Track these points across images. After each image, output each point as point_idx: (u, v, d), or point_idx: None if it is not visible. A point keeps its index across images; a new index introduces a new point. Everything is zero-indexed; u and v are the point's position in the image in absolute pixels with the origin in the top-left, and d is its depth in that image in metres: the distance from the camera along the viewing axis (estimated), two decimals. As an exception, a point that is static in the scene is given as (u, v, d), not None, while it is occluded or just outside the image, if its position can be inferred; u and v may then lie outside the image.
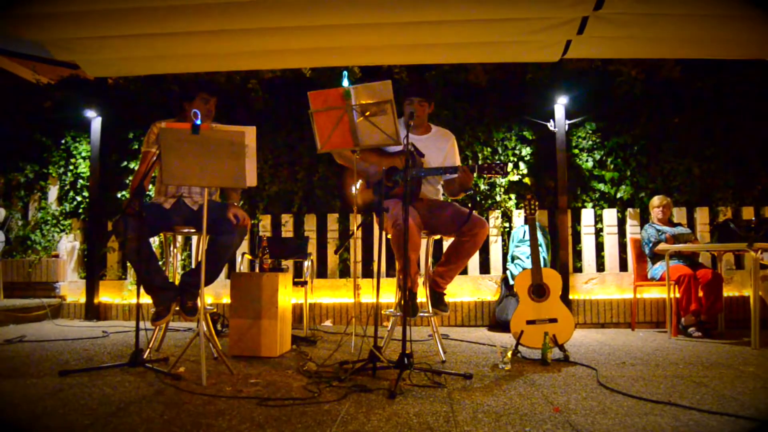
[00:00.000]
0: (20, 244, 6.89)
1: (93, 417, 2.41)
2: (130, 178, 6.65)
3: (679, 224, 5.82)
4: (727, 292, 5.77)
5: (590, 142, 6.36)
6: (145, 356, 3.49)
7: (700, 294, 5.12)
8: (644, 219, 6.17)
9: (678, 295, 5.15)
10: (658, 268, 5.52)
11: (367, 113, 3.28)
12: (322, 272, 6.42)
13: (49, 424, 2.32)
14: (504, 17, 4.56)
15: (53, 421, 2.37)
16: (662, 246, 5.38)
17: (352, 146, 3.45)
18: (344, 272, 6.45)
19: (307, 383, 3.09)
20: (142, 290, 3.56)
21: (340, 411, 2.52)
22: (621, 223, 6.31)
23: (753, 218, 5.96)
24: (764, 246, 4.61)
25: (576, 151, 6.35)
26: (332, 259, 6.43)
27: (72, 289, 6.72)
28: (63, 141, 6.90)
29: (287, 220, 6.49)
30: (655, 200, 5.79)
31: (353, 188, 3.89)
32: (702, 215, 6.23)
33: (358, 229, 3.91)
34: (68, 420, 2.38)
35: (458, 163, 4.15)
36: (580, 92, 6.16)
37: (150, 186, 5.65)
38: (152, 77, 6.67)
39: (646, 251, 5.66)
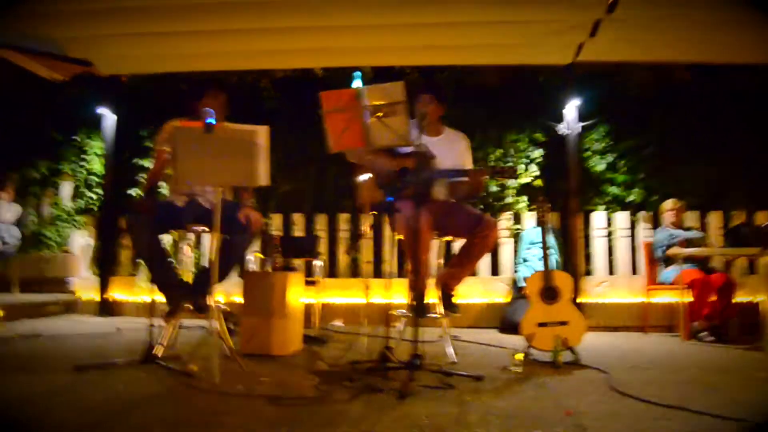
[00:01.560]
0: (34, 240, 6.95)
1: (106, 413, 2.43)
2: (142, 175, 6.69)
3: (692, 228, 5.79)
4: (740, 297, 5.73)
5: (602, 145, 6.34)
6: (157, 353, 3.51)
7: (713, 299, 5.10)
8: (656, 223, 6.13)
9: (690, 300, 5.12)
10: (670, 272, 5.48)
11: (379, 114, 3.28)
12: (332, 272, 6.44)
13: (62, 419, 2.34)
14: (517, 19, 4.57)
15: (67, 415, 2.39)
16: (674, 250, 5.35)
17: (363, 147, 3.45)
18: (355, 272, 6.46)
19: (318, 383, 3.10)
20: (154, 287, 3.58)
21: (350, 411, 2.52)
22: (632, 227, 6.28)
23: (766, 223, 5.91)
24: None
25: (588, 153, 6.33)
26: (343, 259, 6.44)
27: (85, 285, 6.76)
28: (76, 138, 6.95)
29: (298, 219, 6.51)
30: (668, 204, 5.75)
31: (364, 188, 3.90)
32: (715, 219, 6.18)
33: (369, 229, 3.92)
34: (82, 415, 2.39)
35: (470, 165, 4.14)
36: (592, 95, 6.13)
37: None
38: (165, 75, 6.70)
39: (658, 255, 5.63)
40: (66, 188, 7.05)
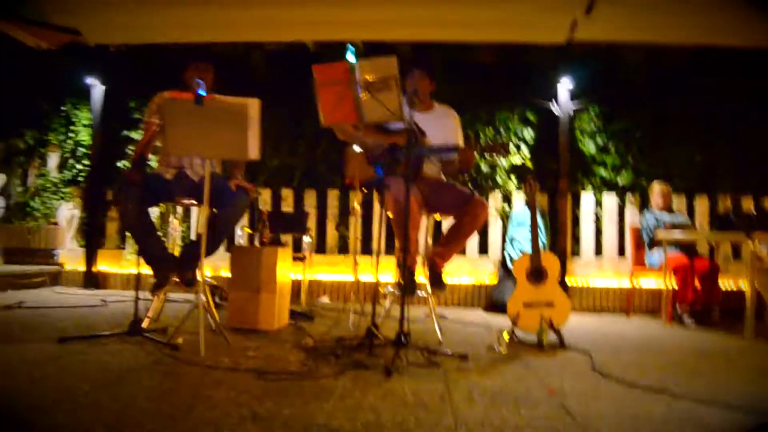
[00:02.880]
0: (19, 211, 6.89)
1: (92, 383, 2.43)
2: (131, 147, 6.64)
3: (679, 212, 5.82)
4: (724, 282, 5.79)
5: (593, 126, 6.35)
6: (143, 326, 3.50)
7: (697, 284, 5.15)
8: (644, 205, 6.17)
9: (674, 284, 5.17)
10: (655, 256, 5.52)
11: (372, 89, 3.25)
12: (320, 248, 6.43)
13: (47, 389, 2.33)
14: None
15: (52, 385, 2.39)
16: (660, 234, 5.38)
17: (356, 121, 3.43)
18: (343, 249, 6.46)
19: (305, 358, 3.10)
20: (141, 260, 3.56)
21: (337, 386, 2.53)
22: (621, 209, 6.32)
23: (753, 210, 5.96)
24: (763, 236, 4.62)
25: (579, 134, 6.35)
26: (331, 236, 6.44)
27: (71, 257, 6.73)
28: (64, 108, 6.88)
29: (287, 194, 6.49)
30: (656, 186, 5.78)
31: (353, 165, 3.89)
32: (701, 204, 6.24)
33: (359, 205, 3.91)
34: (67, 385, 2.39)
35: (461, 141, 4.13)
36: (584, 75, 6.13)
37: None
38: (155, 46, 6.61)
39: (645, 239, 5.66)
40: (53, 159, 6.98)
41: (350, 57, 3.29)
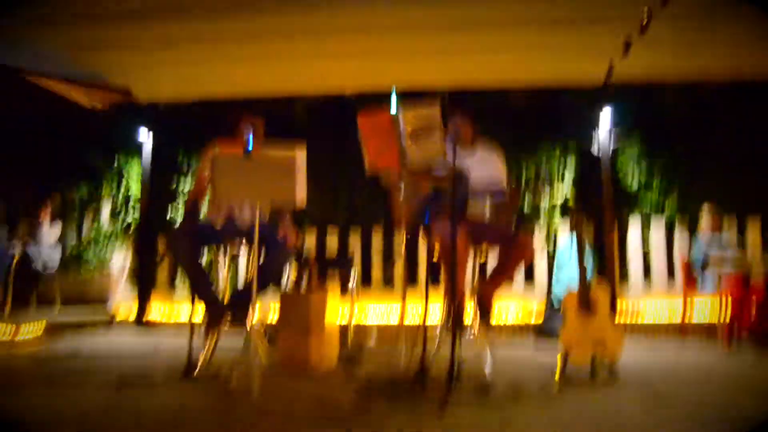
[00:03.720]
0: (74, 261, 7.13)
1: (151, 428, 2.49)
2: (180, 198, 6.84)
3: (727, 244, 5.69)
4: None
5: (634, 162, 6.31)
6: (196, 370, 3.57)
7: (753, 309, 5.03)
8: (692, 234, 6.06)
9: (731, 309, 5.05)
10: (709, 279, 5.41)
11: (415, 136, 3.33)
12: (366, 284, 6.47)
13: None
14: (550, 42, 4.59)
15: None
16: (714, 259, 5.29)
17: (400, 168, 3.50)
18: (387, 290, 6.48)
19: (358, 397, 3.12)
20: (193, 305, 3.65)
21: (391, 425, 2.54)
22: (669, 241, 6.21)
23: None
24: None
25: (620, 171, 6.31)
26: (376, 278, 6.47)
27: (123, 304, 6.90)
28: (115, 162, 7.14)
29: (332, 234, 6.57)
30: (705, 212, 5.70)
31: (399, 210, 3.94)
32: (753, 230, 6.09)
33: (404, 248, 3.95)
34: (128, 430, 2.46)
35: (504, 178, 4.16)
36: (623, 114, 6.11)
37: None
38: (201, 101, 6.86)
39: (696, 268, 5.56)
40: (105, 211, 7.23)
41: (393, 101, 3.38)
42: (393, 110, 3.33)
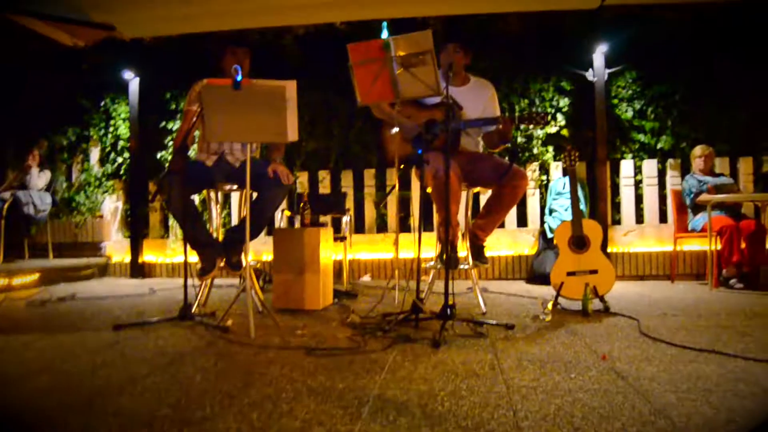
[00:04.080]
0: (66, 206, 7.11)
1: (150, 366, 2.51)
2: (170, 138, 6.76)
3: (722, 174, 5.70)
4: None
5: (630, 92, 6.22)
6: (193, 311, 3.60)
7: (743, 245, 5.06)
8: (685, 170, 6.06)
9: (719, 247, 5.09)
10: (699, 220, 5.44)
11: (407, 64, 3.26)
12: (359, 228, 6.49)
13: (109, 374, 2.42)
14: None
15: (113, 370, 2.48)
16: (704, 197, 5.28)
17: (393, 98, 3.44)
18: (381, 227, 6.50)
19: (352, 334, 3.15)
20: (187, 247, 3.64)
21: (387, 359, 2.58)
22: (661, 175, 6.21)
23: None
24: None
25: (615, 101, 6.23)
26: (370, 215, 6.48)
27: (117, 248, 6.91)
28: (102, 103, 7.03)
29: (324, 176, 6.54)
30: (697, 150, 5.67)
31: (392, 143, 3.90)
32: (745, 165, 6.08)
33: (396, 183, 3.93)
34: (127, 369, 2.48)
35: (498, 113, 4.10)
36: (619, 40, 6.00)
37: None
38: (188, 37, 6.70)
39: (687, 202, 5.58)
40: (94, 154, 7.15)
41: (384, 34, 3.30)
42: (384, 37, 3.25)
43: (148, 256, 6.76)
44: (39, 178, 6.71)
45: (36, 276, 5.61)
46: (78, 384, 2.30)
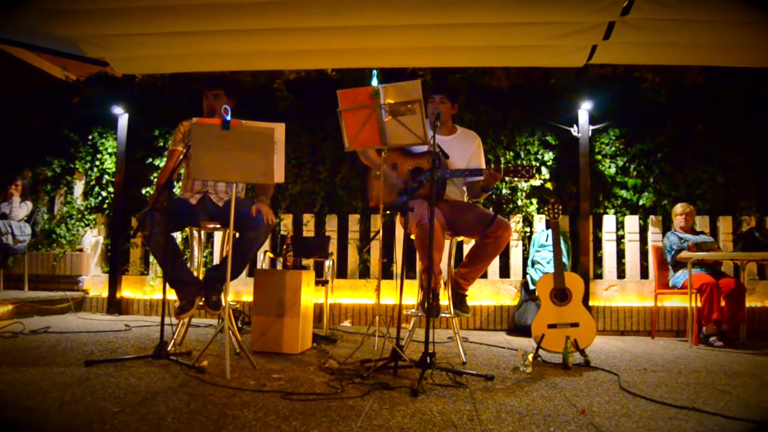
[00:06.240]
0: (46, 238, 7.01)
1: (120, 404, 2.45)
2: (155, 174, 6.75)
3: (702, 232, 5.77)
4: (750, 302, 5.72)
5: (613, 149, 6.34)
6: (168, 349, 3.53)
7: (722, 303, 5.08)
8: (666, 227, 6.14)
9: (699, 304, 5.11)
10: (679, 276, 5.48)
11: (396, 112, 3.30)
12: (342, 273, 6.45)
13: (77, 410, 2.36)
14: (530, 21, 4.58)
15: (82, 407, 2.41)
16: (685, 254, 5.33)
17: (380, 145, 3.48)
18: (364, 273, 6.47)
19: (330, 380, 3.11)
20: (166, 285, 3.60)
21: (364, 407, 2.53)
22: (643, 231, 6.28)
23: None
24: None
25: (599, 157, 6.33)
26: (353, 260, 6.46)
27: (95, 283, 6.80)
28: (90, 137, 7.02)
29: (309, 219, 6.53)
30: (678, 208, 5.75)
31: (377, 189, 3.92)
32: (725, 224, 6.18)
33: (380, 229, 3.93)
34: (96, 407, 2.42)
35: (483, 164, 4.15)
36: (604, 98, 6.15)
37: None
38: (179, 76, 6.76)
39: (668, 259, 5.62)
40: (79, 187, 7.10)
41: (375, 81, 3.35)
42: (374, 85, 3.30)
43: (126, 291, 6.66)
44: (20, 209, 6.65)
45: (9, 307, 5.50)
46: (42, 420, 2.23)
